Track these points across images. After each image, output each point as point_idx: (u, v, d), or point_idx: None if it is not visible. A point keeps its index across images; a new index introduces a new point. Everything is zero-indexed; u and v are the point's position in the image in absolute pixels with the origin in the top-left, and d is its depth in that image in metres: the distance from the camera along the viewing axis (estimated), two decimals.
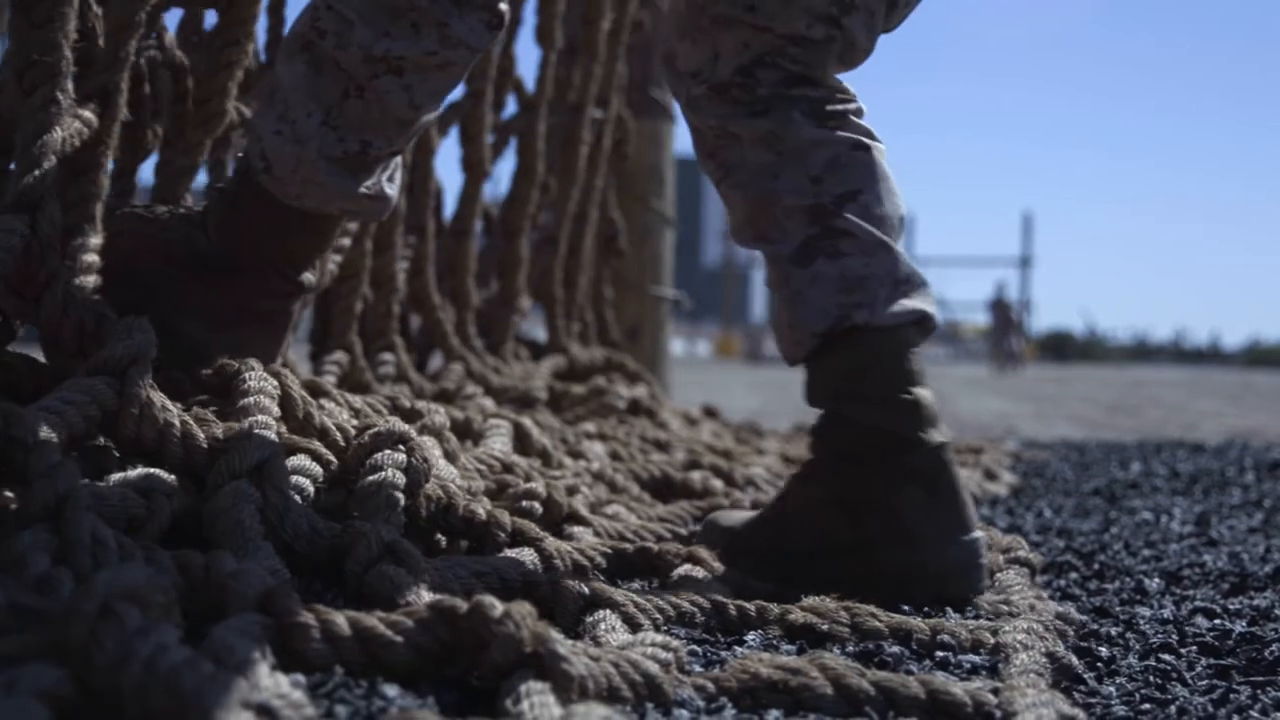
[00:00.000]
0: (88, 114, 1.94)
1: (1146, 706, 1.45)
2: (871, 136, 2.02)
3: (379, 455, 1.82)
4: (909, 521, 1.90)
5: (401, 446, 1.85)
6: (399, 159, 2.08)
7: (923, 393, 1.95)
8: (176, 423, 1.67)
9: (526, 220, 3.93)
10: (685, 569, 1.91)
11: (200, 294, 2.03)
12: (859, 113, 2.03)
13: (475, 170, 3.67)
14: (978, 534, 1.93)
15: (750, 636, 1.63)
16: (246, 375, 1.89)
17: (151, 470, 1.62)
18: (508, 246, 3.91)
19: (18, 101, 1.88)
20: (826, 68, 2.02)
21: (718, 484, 2.85)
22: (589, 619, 1.56)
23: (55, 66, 1.87)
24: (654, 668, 1.31)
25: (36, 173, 1.82)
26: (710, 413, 4.54)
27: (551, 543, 1.86)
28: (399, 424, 1.91)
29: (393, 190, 2.07)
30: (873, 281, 1.94)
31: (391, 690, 1.23)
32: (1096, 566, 2.30)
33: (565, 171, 4.19)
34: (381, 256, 3.09)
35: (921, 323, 1.98)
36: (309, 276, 2.10)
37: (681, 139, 4.70)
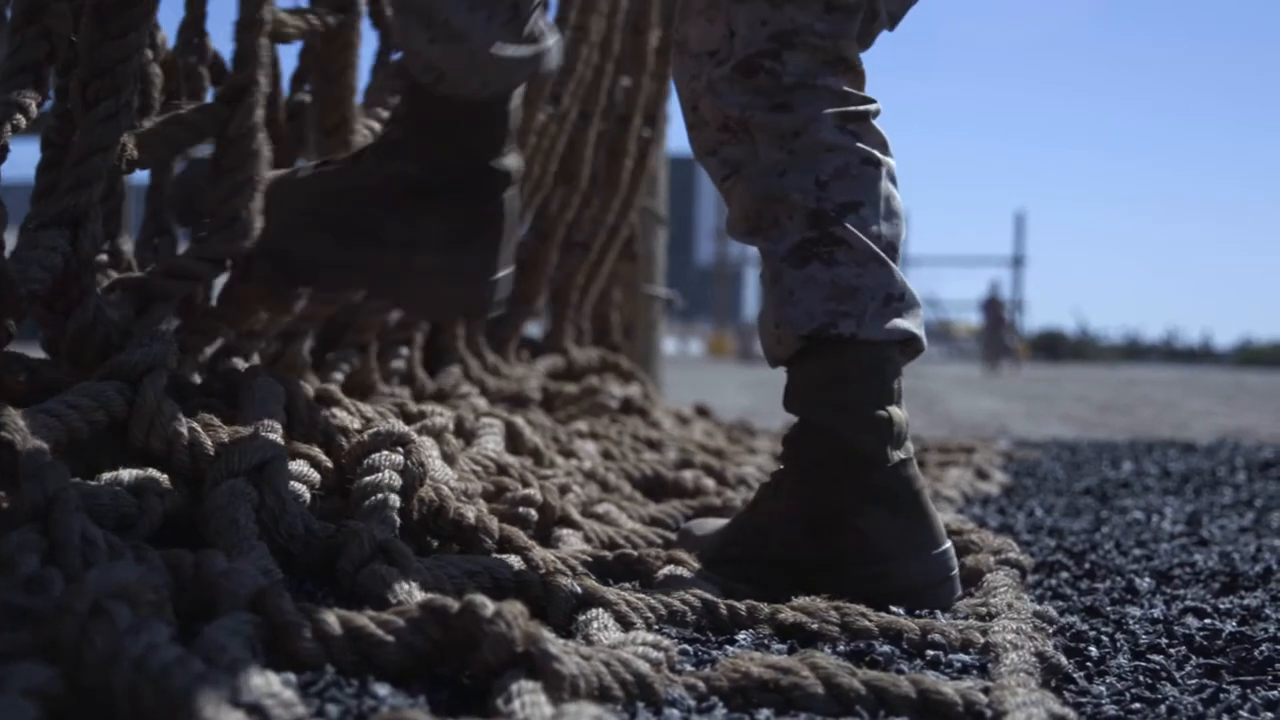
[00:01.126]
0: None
1: (1137, 706, 1.45)
2: (885, 148, 2.00)
3: (376, 456, 1.82)
4: (874, 539, 1.90)
5: (400, 448, 1.85)
6: None
7: (896, 411, 1.94)
8: (185, 431, 1.67)
9: (564, 226, 3.92)
10: (668, 570, 1.90)
11: (432, 221, 2.01)
12: (877, 114, 2.01)
13: (570, 183, 3.66)
14: (946, 546, 1.93)
15: (741, 636, 1.63)
16: (253, 380, 1.89)
17: (144, 469, 1.62)
18: (540, 248, 3.89)
19: (78, 110, 1.87)
20: (854, 43, 1.99)
21: (709, 483, 2.85)
22: (581, 618, 1.56)
23: (124, 80, 1.85)
24: (645, 667, 1.31)
25: (84, 189, 1.80)
26: (702, 412, 4.55)
27: (538, 552, 1.86)
28: (399, 425, 1.91)
29: (552, 33, 2.01)
30: (864, 294, 1.93)
31: (383, 689, 1.23)
32: (1087, 566, 2.31)
33: (609, 182, 4.19)
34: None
35: (907, 343, 1.97)
36: (514, 159, 2.05)
37: (674, 138, 4.69)
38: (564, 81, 3.74)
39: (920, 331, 1.98)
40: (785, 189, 1.97)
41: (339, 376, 2.81)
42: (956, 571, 1.94)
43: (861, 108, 2.00)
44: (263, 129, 2.15)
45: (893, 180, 2.00)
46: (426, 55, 1.90)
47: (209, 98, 2.27)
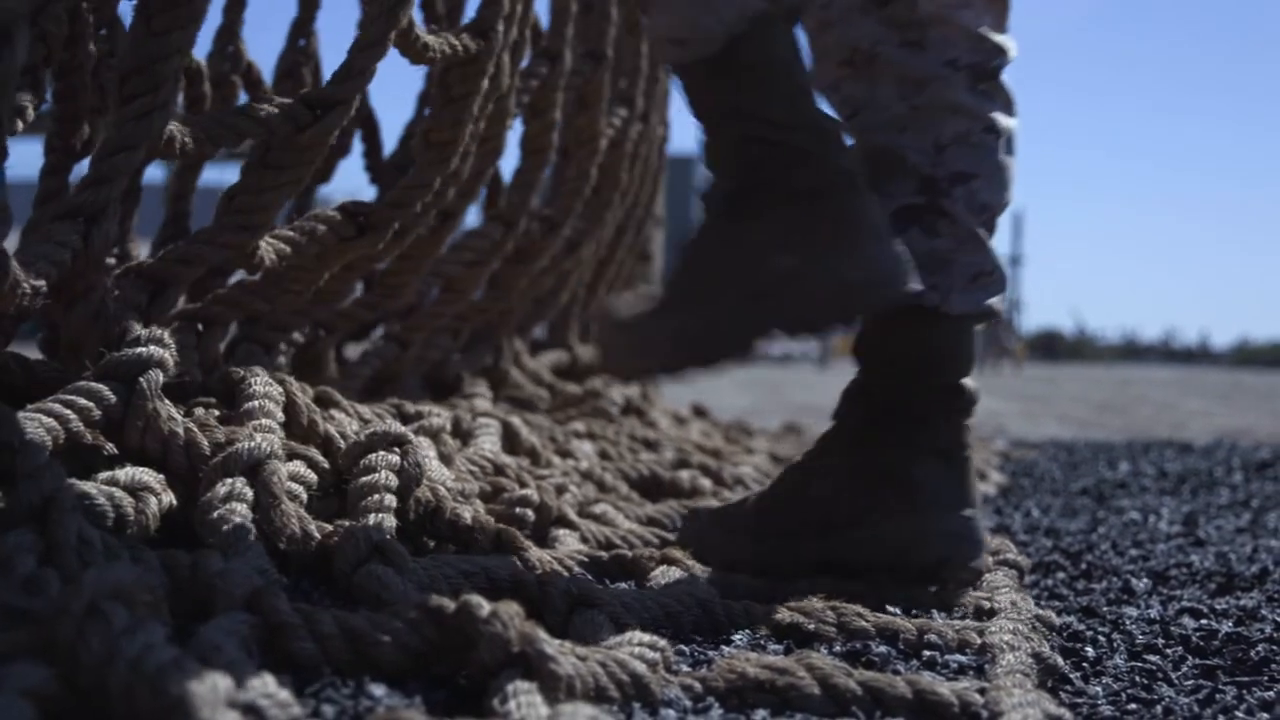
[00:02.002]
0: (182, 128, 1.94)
1: (1133, 706, 1.45)
2: (1010, 108, 2.00)
3: (372, 456, 1.82)
4: (922, 490, 1.93)
5: (396, 449, 1.85)
6: None
7: (968, 382, 1.98)
8: (181, 431, 1.67)
9: (572, 219, 3.94)
10: (661, 570, 1.90)
11: (776, 224, 1.75)
12: (1008, 64, 1.99)
13: (580, 180, 3.66)
14: (976, 513, 1.97)
15: (737, 636, 1.63)
16: (251, 381, 1.89)
17: (140, 469, 1.62)
18: (571, 249, 3.90)
19: (114, 104, 1.86)
20: None
21: (706, 483, 2.85)
22: (577, 618, 1.56)
23: (162, 79, 1.84)
24: (641, 667, 1.31)
25: (104, 185, 1.79)
26: (699, 411, 4.55)
27: (535, 552, 1.86)
28: (395, 426, 1.91)
29: None
30: (956, 269, 1.95)
31: (379, 689, 1.23)
32: (1084, 566, 2.31)
33: (644, 186, 4.21)
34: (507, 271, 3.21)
35: (985, 317, 2.00)
36: (829, 123, 1.79)
37: (673, 139, 4.69)
38: (634, 81, 3.75)
39: (1000, 307, 2.01)
40: (903, 148, 1.96)
41: (367, 371, 2.83)
42: (985, 539, 1.99)
43: (995, 61, 1.97)
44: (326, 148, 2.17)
45: (1010, 148, 2.00)
46: (656, 26, 1.81)
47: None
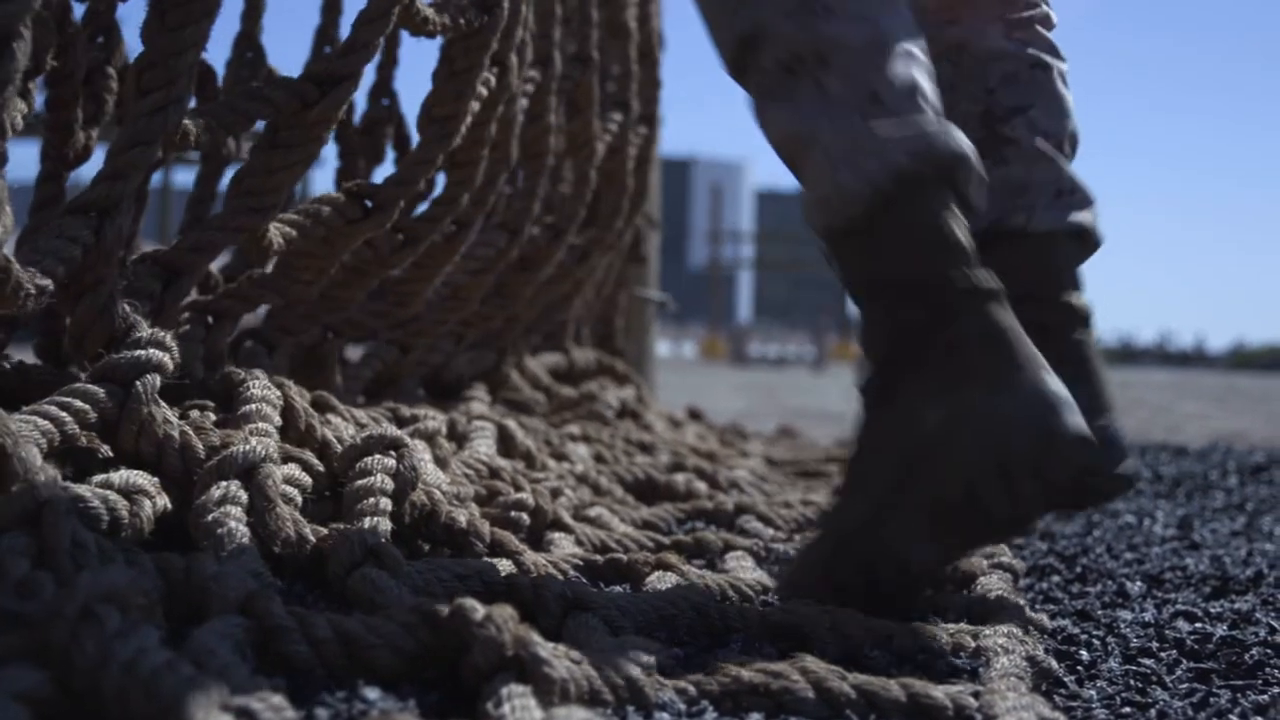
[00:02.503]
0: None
1: (1127, 710, 1.46)
2: (1055, 52, 2.03)
3: (368, 460, 1.83)
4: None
5: (392, 452, 1.85)
6: None
7: (1076, 296, 1.98)
8: (176, 434, 1.67)
9: (575, 224, 3.95)
10: (657, 575, 1.90)
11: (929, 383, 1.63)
12: (1045, 20, 2.02)
13: (581, 185, 3.68)
14: (1114, 418, 1.95)
15: (733, 640, 1.63)
16: (249, 383, 1.89)
17: (134, 472, 1.62)
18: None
19: (131, 100, 1.86)
20: None
21: (701, 486, 2.85)
22: (571, 622, 1.56)
23: (176, 74, 1.84)
24: (636, 671, 1.31)
25: (118, 180, 1.79)
26: (695, 415, 4.55)
27: (530, 556, 1.86)
28: (391, 429, 1.91)
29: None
30: (1033, 189, 1.97)
31: (373, 693, 1.23)
32: (1079, 570, 2.31)
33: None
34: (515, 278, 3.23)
35: (1080, 235, 2.00)
36: (981, 275, 1.67)
37: (666, 140, 4.69)
38: (625, 85, 3.75)
39: (1094, 224, 2.02)
40: (955, 101, 1.97)
41: (368, 373, 2.83)
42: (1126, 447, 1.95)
43: (1027, 13, 2.02)
44: (334, 125, 2.17)
45: (1064, 81, 2.03)
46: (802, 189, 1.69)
47: None
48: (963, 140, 1.66)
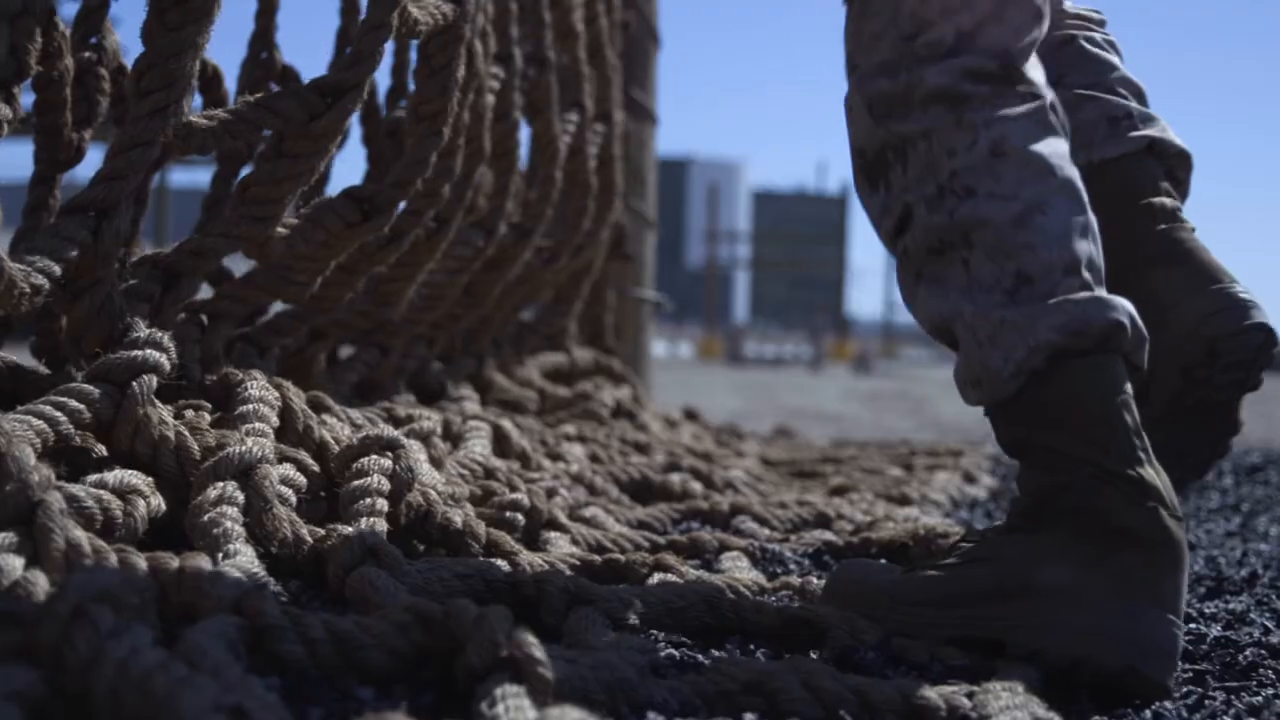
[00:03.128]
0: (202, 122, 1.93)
1: (1121, 711, 1.46)
2: (1083, 24, 2.22)
3: (364, 460, 1.82)
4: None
5: (388, 453, 1.85)
6: None
7: (1155, 199, 2.13)
8: (171, 435, 1.67)
9: (544, 224, 3.96)
10: (656, 578, 1.90)
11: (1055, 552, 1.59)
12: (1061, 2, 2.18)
13: (546, 185, 3.68)
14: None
15: (729, 640, 1.63)
16: (247, 384, 1.89)
17: (129, 472, 1.62)
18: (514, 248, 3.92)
19: (134, 102, 1.86)
20: None
21: (697, 486, 2.85)
22: (573, 616, 1.57)
23: (175, 75, 1.83)
24: (630, 671, 1.31)
25: (116, 181, 1.79)
26: (691, 415, 4.55)
27: (525, 556, 1.86)
28: (388, 430, 1.91)
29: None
30: (1084, 128, 2.06)
31: (366, 692, 1.23)
32: None
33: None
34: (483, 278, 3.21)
35: (1150, 148, 2.15)
36: (1148, 471, 1.61)
37: (663, 140, 4.70)
38: (578, 84, 3.75)
39: (1162, 134, 2.15)
40: None
41: (353, 376, 2.83)
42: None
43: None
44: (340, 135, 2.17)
45: (1096, 45, 2.20)
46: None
47: None
48: (1119, 308, 1.60)
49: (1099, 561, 1.54)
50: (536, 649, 1.21)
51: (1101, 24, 2.23)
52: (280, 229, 2.21)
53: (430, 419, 2.39)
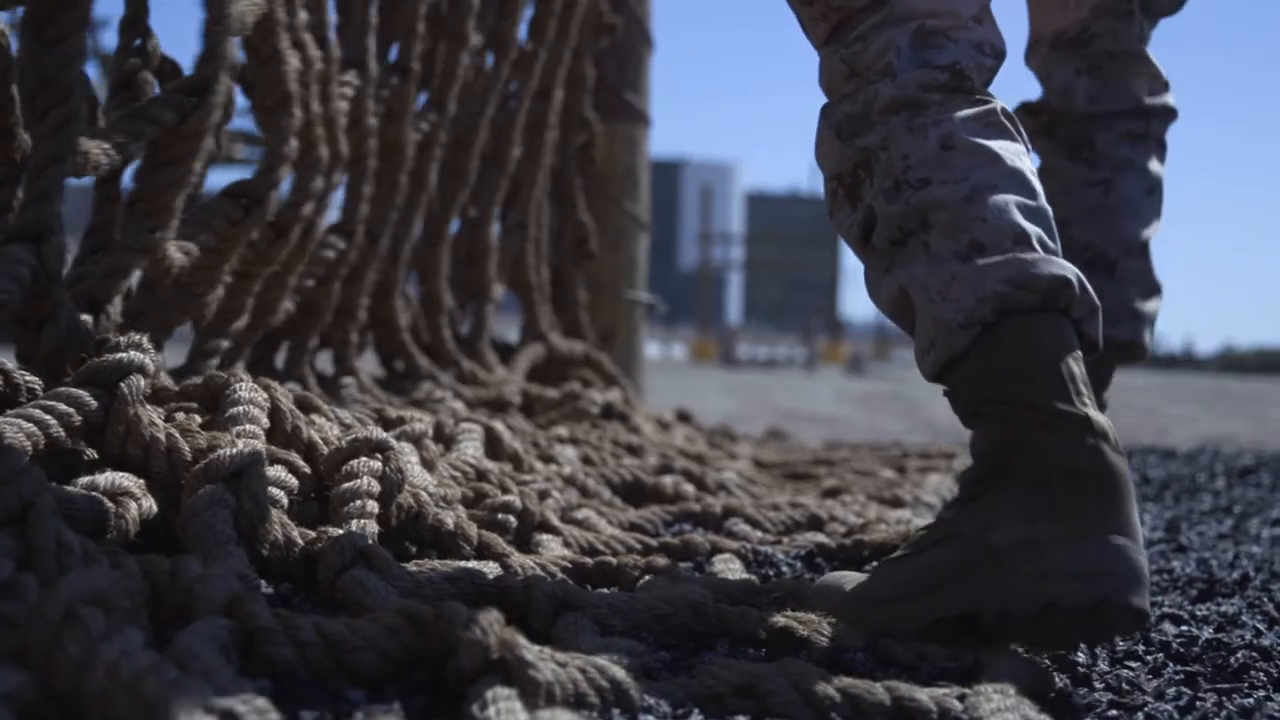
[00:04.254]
0: (107, 145, 1.92)
1: (1113, 713, 1.46)
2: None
3: (354, 462, 1.82)
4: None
5: (378, 454, 1.85)
6: None
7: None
8: (162, 437, 1.67)
9: (494, 208, 3.96)
10: (647, 580, 1.90)
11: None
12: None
13: (459, 178, 3.68)
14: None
15: (720, 643, 1.63)
16: (236, 386, 1.89)
17: (120, 474, 1.62)
18: (475, 235, 3.92)
19: (31, 124, 1.86)
20: None
21: (689, 489, 2.85)
22: (561, 622, 1.56)
23: (69, 87, 1.83)
24: (621, 673, 1.31)
25: (45, 202, 1.79)
26: (683, 417, 4.55)
27: (517, 558, 1.86)
28: (377, 432, 1.91)
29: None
30: None
31: (357, 695, 1.23)
32: None
33: (531, 159, 4.20)
34: (348, 288, 3.15)
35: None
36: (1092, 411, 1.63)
37: (656, 142, 4.71)
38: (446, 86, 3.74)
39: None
40: None
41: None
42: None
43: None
44: (214, 130, 2.16)
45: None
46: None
47: None
48: (1068, 268, 1.65)
49: (1051, 507, 1.55)
50: (527, 652, 1.21)
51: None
52: (176, 243, 2.21)
53: (422, 421, 2.39)
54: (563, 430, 3.16)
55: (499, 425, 2.65)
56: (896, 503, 3.03)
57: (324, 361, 3.24)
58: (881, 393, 14.42)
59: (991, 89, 1.80)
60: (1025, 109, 2.35)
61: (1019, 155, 1.73)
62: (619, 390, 4.08)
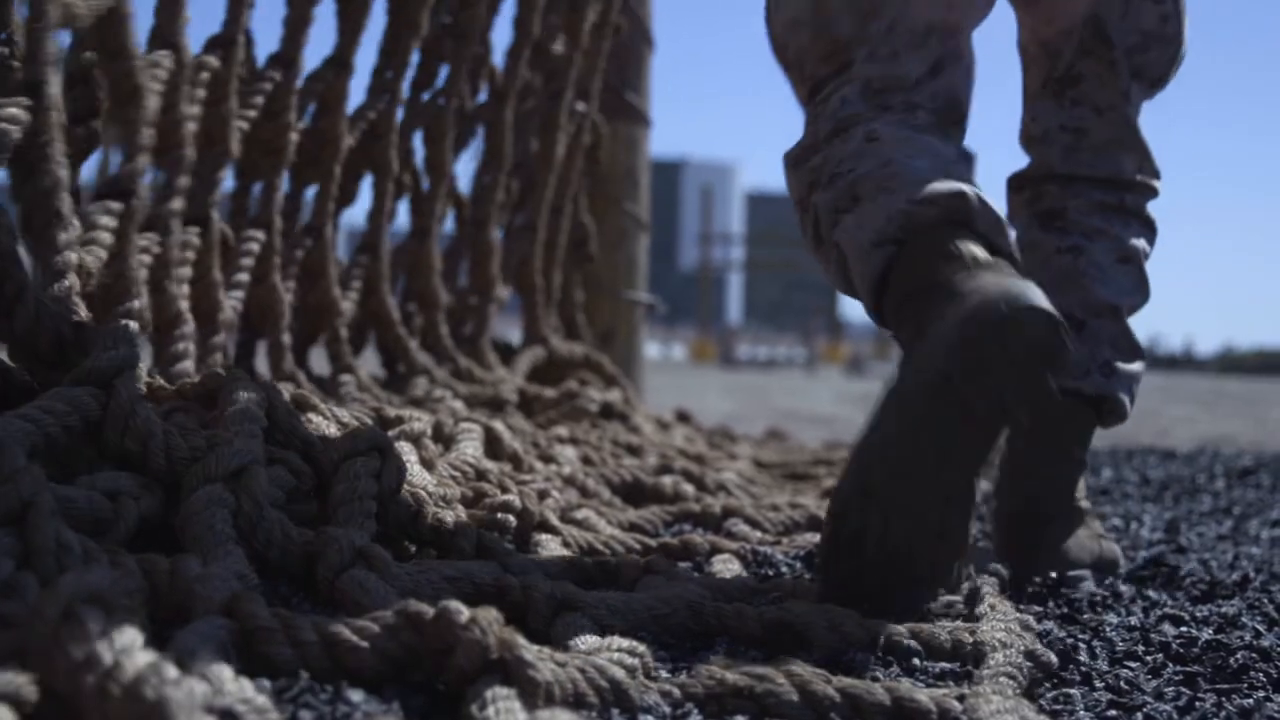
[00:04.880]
0: (14, 110, 1.91)
1: (1112, 713, 1.46)
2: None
3: (352, 462, 1.82)
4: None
5: (376, 453, 1.85)
6: None
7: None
8: (159, 434, 1.67)
9: (494, 208, 3.94)
10: (646, 580, 1.89)
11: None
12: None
13: (438, 171, 3.69)
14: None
15: (718, 642, 1.63)
16: (234, 385, 1.88)
17: (119, 473, 1.62)
18: (478, 235, 3.91)
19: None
20: None
21: (689, 489, 2.85)
22: (560, 622, 1.56)
23: None
24: (620, 673, 1.31)
25: None
26: (683, 417, 4.55)
27: (516, 558, 1.86)
28: (375, 431, 1.91)
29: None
30: None
31: (357, 695, 1.23)
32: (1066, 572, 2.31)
33: (542, 158, 4.19)
34: (317, 285, 3.13)
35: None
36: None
37: (656, 142, 4.71)
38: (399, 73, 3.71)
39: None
40: None
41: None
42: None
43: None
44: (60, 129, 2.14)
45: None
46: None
47: None
48: (964, 185, 1.85)
49: (945, 310, 1.72)
50: (526, 651, 1.21)
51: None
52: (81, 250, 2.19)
53: (421, 420, 2.39)
54: (562, 430, 3.16)
55: (498, 425, 2.65)
56: None
57: (321, 363, 3.24)
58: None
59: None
60: (1010, 184, 2.38)
61: (943, 149, 1.95)
62: (619, 390, 4.08)
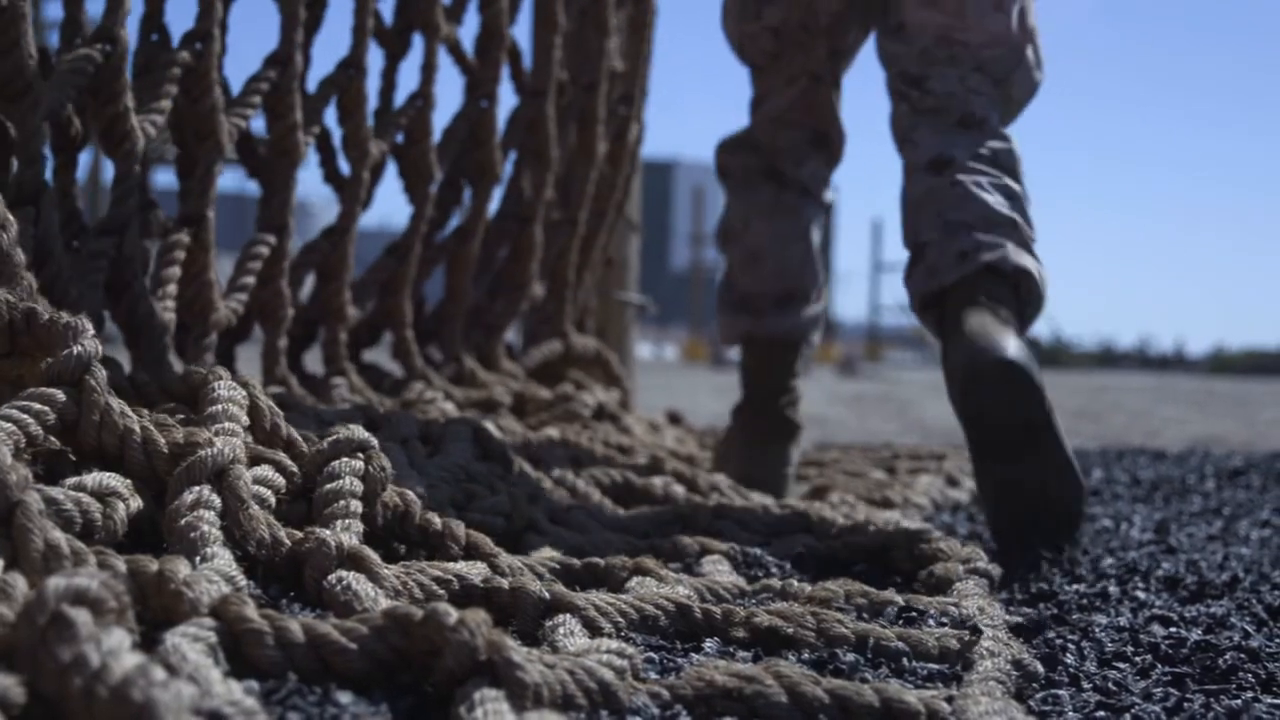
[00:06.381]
0: None
1: (1101, 714, 1.46)
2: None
3: (337, 463, 1.82)
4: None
5: (360, 454, 1.84)
6: None
7: None
8: (137, 429, 1.66)
9: (541, 206, 3.93)
10: (636, 581, 1.90)
11: None
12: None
13: (488, 174, 3.68)
14: None
15: (708, 643, 1.63)
16: (215, 384, 1.88)
17: (107, 474, 1.61)
18: (521, 232, 3.90)
19: None
20: None
21: (679, 490, 2.85)
22: (549, 623, 1.56)
23: None
24: (609, 675, 1.31)
25: None
26: (674, 418, 4.55)
27: (505, 558, 1.86)
28: (359, 431, 1.91)
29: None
30: None
31: (345, 697, 1.22)
32: (1054, 573, 2.31)
33: (583, 151, 4.18)
34: (328, 287, 3.13)
35: None
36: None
37: (649, 144, 4.69)
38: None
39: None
40: None
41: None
42: None
43: None
44: None
45: None
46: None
47: None
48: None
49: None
50: (515, 653, 1.21)
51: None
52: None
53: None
54: (553, 431, 3.16)
55: (489, 426, 2.65)
56: (886, 504, 3.04)
57: (319, 363, 3.24)
58: (873, 394, 14.43)
59: None
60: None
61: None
62: (617, 391, 4.08)
